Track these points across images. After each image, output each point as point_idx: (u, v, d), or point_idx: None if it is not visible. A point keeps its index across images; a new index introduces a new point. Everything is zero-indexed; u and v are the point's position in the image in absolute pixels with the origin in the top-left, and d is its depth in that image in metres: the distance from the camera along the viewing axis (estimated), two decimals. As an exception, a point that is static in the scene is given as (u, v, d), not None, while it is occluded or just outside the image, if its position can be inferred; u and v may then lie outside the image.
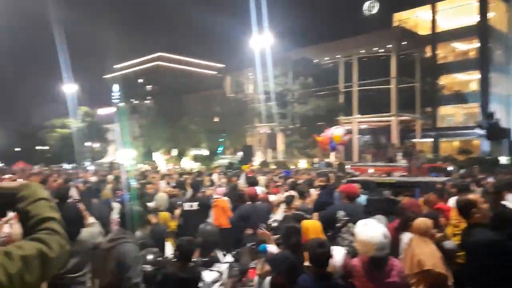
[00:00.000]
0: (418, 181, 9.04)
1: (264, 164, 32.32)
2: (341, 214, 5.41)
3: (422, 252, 3.86)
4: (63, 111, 49.34)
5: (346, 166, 24.55)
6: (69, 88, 42.80)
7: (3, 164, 45.87)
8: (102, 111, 63.60)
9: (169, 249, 5.71)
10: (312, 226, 4.37)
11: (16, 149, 58.36)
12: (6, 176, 15.65)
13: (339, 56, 40.44)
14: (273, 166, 30.48)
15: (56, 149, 52.41)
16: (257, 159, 35.81)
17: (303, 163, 33.44)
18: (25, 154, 53.28)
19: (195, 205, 7.52)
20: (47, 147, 55.40)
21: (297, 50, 39.44)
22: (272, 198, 8.34)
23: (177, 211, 7.66)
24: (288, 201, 6.96)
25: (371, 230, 3.50)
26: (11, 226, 4.80)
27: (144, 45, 71.89)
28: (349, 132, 31.00)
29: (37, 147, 57.29)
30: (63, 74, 32.44)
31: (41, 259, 1.33)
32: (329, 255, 3.40)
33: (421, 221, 4.17)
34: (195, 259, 5.18)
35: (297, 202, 6.94)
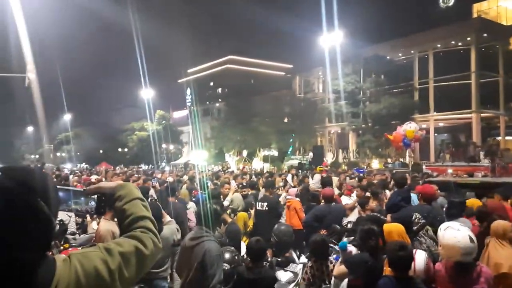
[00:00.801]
0: (504, 182, 8.42)
1: (336, 164, 31.82)
2: (416, 216, 5.18)
3: (498, 255, 3.75)
4: (142, 115, 52.08)
5: (422, 166, 23.50)
6: (147, 93, 45.04)
7: (88, 165, 49.20)
8: (177, 114, 66.24)
9: (244, 248, 5.80)
10: (395, 229, 4.23)
11: (100, 151, 62.39)
12: (93, 177, 16.74)
13: (414, 51, 38.79)
14: (344, 167, 29.92)
15: (135, 150, 55.45)
16: (328, 159, 35.34)
17: (376, 164, 32.48)
18: (107, 156, 56.93)
19: (265, 205, 7.58)
20: (126, 149, 58.74)
21: (369, 47, 38.39)
22: (345, 199, 8.18)
23: (253, 211, 7.77)
24: (363, 202, 6.79)
25: (457, 234, 3.31)
26: (98, 223, 5.13)
27: (214, 49, 73.81)
28: (425, 130, 29.63)
29: (118, 149, 60.93)
30: (141, 80, 34.29)
31: (137, 256, 1.40)
32: (410, 259, 3.27)
33: (499, 224, 4.06)
34: (269, 259, 5.22)
35: (372, 204, 6.76)
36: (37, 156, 61.02)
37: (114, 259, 1.33)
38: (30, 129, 61.60)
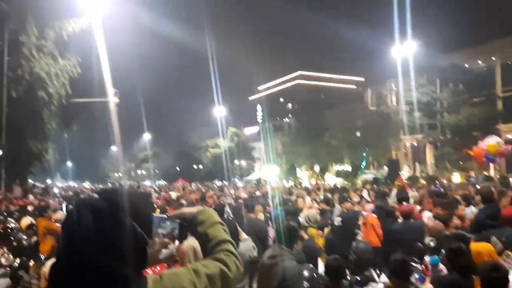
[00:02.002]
0: None
1: (413, 179, 30.47)
2: (494, 240, 4.74)
3: None
4: (215, 133, 53.61)
5: (510, 180, 21.82)
6: (219, 111, 46.37)
7: (165, 182, 51.33)
8: (248, 131, 67.38)
9: (321, 266, 5.72)
10: (484, 249, 3.94)
11: (176, 168, 64.99)
12: (172, 193, 17.42)
13: (495, 58, 36.46)
14: (422, 181, 28.56)
15: (209, 167, 57.08)
16: (404, 173, 33.97)
17: (457, 178, 30.65)
18: (183, 172, 59.11)
19: (340, 221, 7.43)
20: (201, 166, 60.67)
21: (444, 56, 36.66)
22: (426, 216, 7.79)
23: (327, 229, 7.64)
24: (446, 219, 6.44)
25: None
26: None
27: (284, 65, 74.58)
28: (509, 141, 27.57)
29: (193, 166, 63.10)
30: (214, 99, 35.57)
31: (222, 278, 1.48)
32: (506, 280, 3.04)
33: None
34: (348, 278, 5.10)
35: (457, 221, 6.40)
36: (120, 174, 64.85)
37: (201, 280, 1.41)
38: (114, 148, 65.74)
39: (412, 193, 10.46)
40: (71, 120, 26.70)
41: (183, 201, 12.16)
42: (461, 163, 33.54)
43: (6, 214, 10.34)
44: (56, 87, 21.64)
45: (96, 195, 1.37)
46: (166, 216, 1.75)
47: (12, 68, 19.92)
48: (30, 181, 29.15)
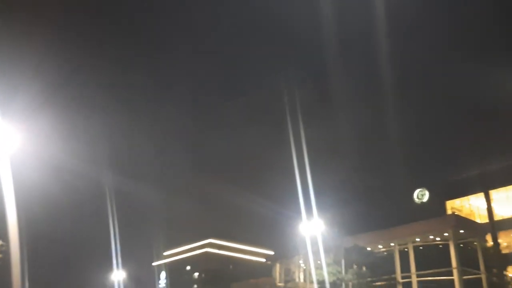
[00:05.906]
0: None
1: None
2: None
3: None
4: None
5: None
6: (118, 276, 42.60)
7: None
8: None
9: None
10: None
11: None
12: None
13: (393, 244, 38.89)
14: None
15: None
16: None
17: None
18: None
19: None
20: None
21: (349, 237, 38.46)
22: None
23: None
24: None
25: None
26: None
27: (194, 231, 73.01)
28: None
29: None
30: (112, 262, 32.82)
31: None
32: None
33: None
34: None
35: None
36: None
37: None
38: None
39: None
40: None
41: None
42: None
43: None
44: None
45: None
46: None
47: None
48: None
